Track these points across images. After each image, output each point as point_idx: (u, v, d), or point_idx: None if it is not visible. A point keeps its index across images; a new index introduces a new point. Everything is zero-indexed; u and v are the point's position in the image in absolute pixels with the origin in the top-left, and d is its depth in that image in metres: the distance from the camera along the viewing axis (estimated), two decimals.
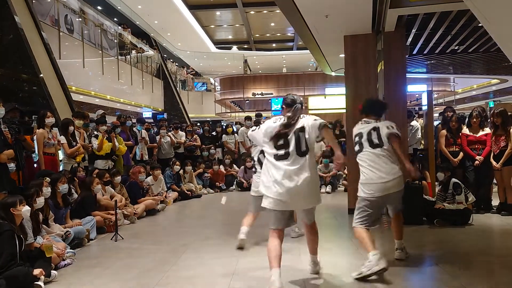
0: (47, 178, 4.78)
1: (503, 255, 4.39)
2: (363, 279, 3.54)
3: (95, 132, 7.04)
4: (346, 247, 4.70)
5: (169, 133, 9.51)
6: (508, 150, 5.98)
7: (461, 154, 6.42)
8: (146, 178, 7.26)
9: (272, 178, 3.33)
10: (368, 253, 3.63)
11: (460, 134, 6.48)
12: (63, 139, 6.10)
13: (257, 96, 19.25)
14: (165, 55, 21.38)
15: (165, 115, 17.11)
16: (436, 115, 9.55)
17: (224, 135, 10.27)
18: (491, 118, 6.32)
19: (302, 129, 3.36)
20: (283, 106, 3.53)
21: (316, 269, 3.78)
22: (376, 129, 3.95)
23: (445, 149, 6.50)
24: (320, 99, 17.62)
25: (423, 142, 7.12)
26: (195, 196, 8.63)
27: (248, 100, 19.94)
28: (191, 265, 4.11)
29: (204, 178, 9.39)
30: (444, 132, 6.60)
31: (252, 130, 3.66)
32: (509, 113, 6.26)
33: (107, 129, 7.11)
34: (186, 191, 8.46)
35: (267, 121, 3.62)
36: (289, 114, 3.40)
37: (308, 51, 8.45)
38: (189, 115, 19.58)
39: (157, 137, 9.24)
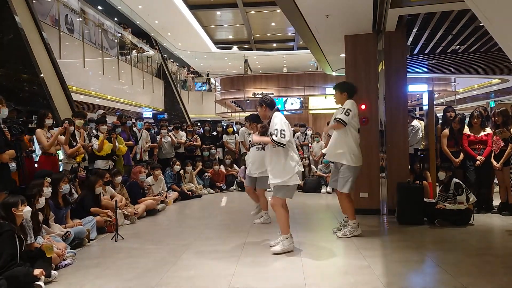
0: (48, 178, 4.77)
1: (503, 255, 4.38)
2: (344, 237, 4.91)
3: (94, 132, 7.03)
4: (346, 246, 4.69)
5: (170, 133, 9.51)
6: (508, 150, 5.96)
7: (462, 154, 6.41)
8: (146, 178, 7.26)
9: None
10: (350, 220, 4.99)
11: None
12: (63, 139, 6.10)
13: (257, 96, 19.25)
14: (165, 55, 21.38)
15: (165, 115, 17.10)
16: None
17: (224, 135, 10.28)
18: (492, 118, 6.31)
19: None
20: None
21: None
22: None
23: (447, 149, 6.48)
24: (321, 99, 17.65)
25: (424, 142, 7.11)
26: (196, 196, 8.63)
27: (248, 100, 19.94)
28: (191, 265, 4.10)
29: (205, 178, 9.39)
30: (446, 132, 6.58)
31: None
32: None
33: (108, 129, 7.11)
34: (186, 191, 8.46)
35: None
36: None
37: (308, 51, 8.44)
38: (190, 115, 19.57)
39: (158, 137, 9.24)
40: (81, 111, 7.40)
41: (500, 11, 2.43)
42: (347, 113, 4.81)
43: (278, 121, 4.29)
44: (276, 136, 4.21)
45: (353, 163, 4.87)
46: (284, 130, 4.23)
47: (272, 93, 18.90)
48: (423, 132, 7.12)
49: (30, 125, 5.99)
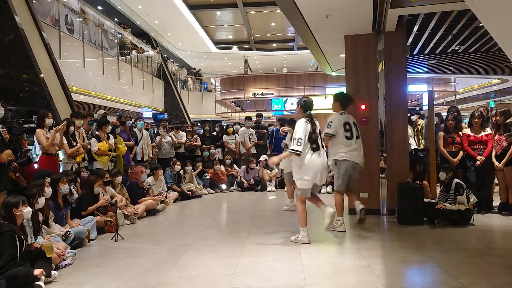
0: (48, 179, 4.77)
1: (503, 255, 4.37)
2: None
3: (96, 133, 7.03)
4: (346, 246, 4.69)
5: (170, 133, 9.51)
6: (511, 150, 5.96)
7: (461, 153, 6.40)
8: (147, 178, 7.26)
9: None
10: (337, 216, 5.14)
11: (461, 134, 6.46)
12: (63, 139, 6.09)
13: (257, 96, 19.25)
14: (165, 55, 21.38)
15: (165, 115, 17.10)
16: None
17: (224, 135, 10.27)
18: (492, 118, 6.30)
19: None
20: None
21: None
22: (354, 124, 5.29)
23: (443, 150, 6.45)
24: (321, 99, 17.61)
25: (423, 142, 7.10)
26: (196, 196, 8.62)
27: (248, 100, 19.94)
28: (191, 265, 4.10)
29: (205, 178, 9.39)
30: (441, 133, 6.57)
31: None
32: None
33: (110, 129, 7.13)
34: (186, 191, 8.45)
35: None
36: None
37: (308, 51, 8.45)
38: (190, 115, 19.57)
39: (157, 137, 9.25)
40: (80, 111, 7.41)
41: (500, 11, 2.43)
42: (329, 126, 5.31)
43: (298, 129, 4.59)
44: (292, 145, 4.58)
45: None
46: (301, 139, 4.53)
47: (272, 93, 18.90)
48: (423, 132, 7.11)
49: (25, 125, 5.97)
